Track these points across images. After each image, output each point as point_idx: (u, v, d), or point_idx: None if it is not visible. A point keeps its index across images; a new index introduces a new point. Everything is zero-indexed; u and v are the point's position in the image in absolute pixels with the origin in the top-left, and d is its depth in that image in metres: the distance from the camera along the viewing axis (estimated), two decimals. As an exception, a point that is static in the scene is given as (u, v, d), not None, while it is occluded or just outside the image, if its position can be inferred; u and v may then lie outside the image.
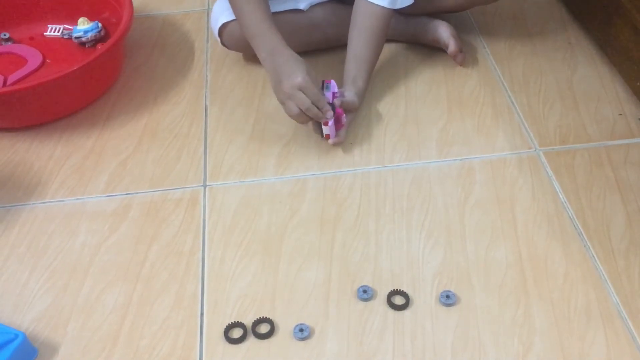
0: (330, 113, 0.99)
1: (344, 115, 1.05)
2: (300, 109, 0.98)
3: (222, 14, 1.19)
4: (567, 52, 1.27)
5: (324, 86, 1.03)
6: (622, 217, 0.94)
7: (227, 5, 1.18)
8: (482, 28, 1.35)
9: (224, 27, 1.19)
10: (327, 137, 1.05)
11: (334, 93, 1.04)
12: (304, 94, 0.96)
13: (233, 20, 1.17)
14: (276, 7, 1.17)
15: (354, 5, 1.13)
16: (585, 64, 1.24)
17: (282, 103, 1.00)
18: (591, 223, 0.94)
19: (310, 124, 1.06)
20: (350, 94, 1.08)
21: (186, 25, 1.40)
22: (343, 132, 1.07)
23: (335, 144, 1.06)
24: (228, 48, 1.23)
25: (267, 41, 1.01)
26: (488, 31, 1.34)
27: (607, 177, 1.01)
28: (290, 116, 1.00)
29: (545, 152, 1.06)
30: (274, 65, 0.99)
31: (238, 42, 1.21)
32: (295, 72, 0.96)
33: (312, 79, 0.97)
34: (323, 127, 1.03)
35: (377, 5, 1.10)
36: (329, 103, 1.01)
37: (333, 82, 1.05)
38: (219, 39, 1.22)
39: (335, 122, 1.04)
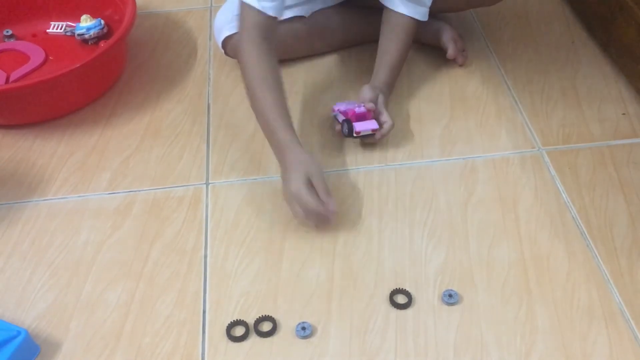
0: (334, 216, 0.92)
1: (357, 107, 1.04)
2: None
3: (225, 26, 1.19)
4: (571, 52, 1.27)
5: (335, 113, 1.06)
6: (625, 217, 0.94)
7: (229, 16, 1.18)
8: (486, 27, 1.34)
9: (227, 39, 1.19)
10: (374, 131, 1.04)
11: (344, 111, 1.04)
12: (299, 204, 0.90)
13: (235, 33, 1.16)
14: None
15: (384, 15, 1.14)
16: (588, 64, 1.23)
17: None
18: (594, 222, 0.94)
19: (336, 130, 1.07)
20: (368, 96, 1.05)
21: (189, 23, 1.40)
22: (386, 114, 1.05)
23: (380, 137, 1.05)
24: (232, 57, 1.23)
25: (277, 138, 0.95)
26: (491, 30, 1.33)
27: (610, 176, 1.01)
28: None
29: (548, 152, 1.06)
30: (281, 162, 0.96)
31: None
32: (291, 180, 0.90)
33: (313, 183, 0.90)
34: (359, 136, 1.04)
35: (410, 17, 1.12)
36: (343, 121, 1.03)
37: (336, 110, 1.06)
38: (222, 50, 1.22)
39: (360, 118, 1.03)
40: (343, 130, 1.04)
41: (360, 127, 1.02)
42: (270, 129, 0.95)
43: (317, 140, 1.10)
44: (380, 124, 1.04)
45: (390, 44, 1.12)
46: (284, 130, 0.94)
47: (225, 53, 1.23)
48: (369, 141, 1.07)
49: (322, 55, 1.27)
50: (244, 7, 1.01)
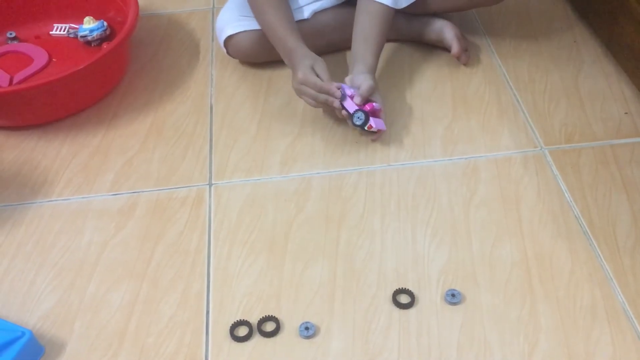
0: (337, 92, 1.03)
1: (375, 103, 1.04)
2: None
3: (227, 26, 1.19)
4: (573, 51, 1.27)
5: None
6: (627, 216, 0.94)
7: (231, 16, 1.19)
8: (487, 26, 1.34)
9: (229, 39, 1.20)
10: (379, 131, 1.06)
11: (350, 96, 1.03)
12: (307, 86, 1.03)
13: (238, 32, 1.17)
14: None
15: (357, 5, 1.14)
16: (590, 63, 1.23)
17: (299, 98, 1.08)
18: (597, 221, 0.94)
19: (349, 125, 1.07)
20: (364, 82, 1.05)
21: (191, 24, 1.41)
22: (384, 116, 1.08)
23: (378, 139, 1.08)
24: (234, 57, 1.24)
25: (284, 44, 1.08)
26: (493, 30, 1.33)
27: (612, 175, 1.01)
28: (313, 105, 1.07)
29: (551, 151, 1.06)
30: (290, 65, 1.08)
31: (244, 53, 1.22)
32: (298, 69, 1.04)
33: (316, 71, 1.04)
34: (370, 130, 1.04)
35: (381, 3, 1.12)
36: (357, 110, 1.02)
37: (344, 85, 1.05)
38: (224, 49, 1.22)
39: (373, 114, 1.04)
40: (355, 120, 1.03)
41: (376, 124, 1.03)
42: (279, 36, 1.08)
43: (319, 139, 1.10)
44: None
45: (371, 30, 1.13)
46: (291, 37, 1.07)
47: (227, 53, 1.23)
48: (369, 136, 1.08)
49: (324, 55, 1.26)
50: None
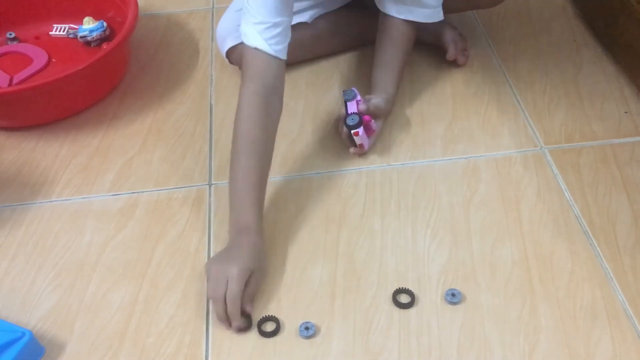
0: (236, 324, 0.82)
1: (373, 121, 1.03)
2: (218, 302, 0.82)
3: (227, 37, 1.18)
4: (573, 50, 1.27)
5: (345, 94, 1.02)
6: (628, 215, 0.94)
7: (232, 26, 1.17)
8: (487, 26, 1.34)
9: (231, 51, 1.19)
10: (361, 146, 1.03)
11: (357, 101, 1.02)
12: (218, 302, 0.81)
13: (239, 43, 1.15)
14: None
15: (380, 19, 1.12)
16: (590, 62, 1.23)
17: (207, 280, 0.84)
18: (597, 221, 0.94)
19: (341, 133, 1.05)
20: (376, 99, 1.04)
21: (191, 25, 1.41)
22: (372, 140, 1.05)
23: (359, 154, 1.05)
24: (236, 66, 1.23)
25: (240, 215, 0.88)
26: (493, 29, 1.33)
27: (612, 175, 1.01)
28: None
29: (551, 150, 1.06)
30: (232, 240, 0.88)
31: None
32: (232, 266, 0.81)
33: (247, 282, 0.82)
34: (354, 137, 1.01)
35: (405, 20, 1.09)
36: (354, 113, 1.00)
37: (355, 90, 1.03)
38: (226, 59, 1.22)
39: (365, 129, 1.02)
40: (348, 120, 0.99)
41: (362, 136, 1.01)
42: (240, 201, 0.88)
43: (319, 140, 1.10)
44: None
45: (393, 53, 1.10)
46: (253, 211, 0.87)
47: (230, 62, 1.22)
48: (348, 145, 1.05)
49: (325, 58, 1.27)
50: (250, 52, 0.92)
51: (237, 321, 0.81)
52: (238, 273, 0.80)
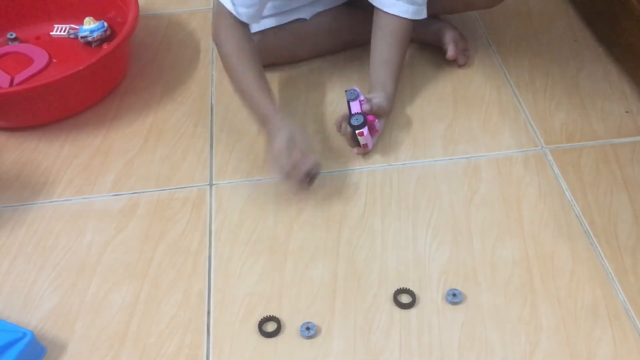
0: (304, 185, 0.95)
1: (377, 121, 1.04)
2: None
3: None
4: (573, 50, 1.26)
5: (348, 94, 1.03)
6: (629, 215, 0.94)
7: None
8: (488, 26, 1.34)
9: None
10: (365, 146, 1.04)
11: (360, 101, 1.03)
12: (282, 160, 0.93)
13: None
14: (282, 19, 1.18)
15: (374, 17, 1.12)
16: (591, 61, 1.23)
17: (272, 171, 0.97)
18: (598, 221, 0.94)
19: (343, 132, 1.05)
20: (378, 99, 1.05)
21: (192, 25, 1.41)
22: (375, 140, 1.06)
23: (363, 154, 1.06)
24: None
25: (260, 110, 1.00)
26: (494, 29, 1.33)
27: (613, 174, 1.01)
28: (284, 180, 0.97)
29: (552, 150, 1.06)
30: (265, 133, 0.99)
31: None
32: (275, 143, 0.94)
33: (295, 144, 0.94)
34: (359, 137, 1.01)
35: (400, 17, 1.09)
36: (358, 113, 1.00)
37: (357, 89, 1.04)
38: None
39: (369, 129, 1.02)
40: (353, 120, 1.00)
41: (366, 136, 1.01)
42: (254, 102, 1.00)
43: (319, 140, 1.10)
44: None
45: (391, 53, 1.10)
46: (266, 103, 0.99)
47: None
48: (350, 144, 1.06)
49: (324, 57, 1.27)
50: (220, 6, 1.02)
51: (303, 181, 0.94)
52: (286, 144, 0.93)
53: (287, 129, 0.95)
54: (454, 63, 1.23)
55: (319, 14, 1.21)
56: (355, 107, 1.02)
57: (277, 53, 1.11)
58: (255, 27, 1.16)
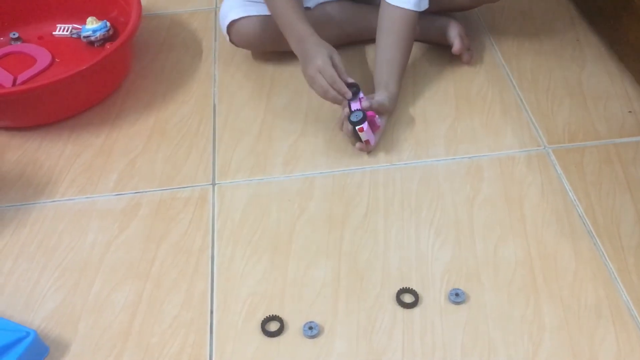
0: (349, 94, 1.02)
1: (377, 117, 1.04)
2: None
3: (230, 11, 1.19)
4: (576, 49, 1.26)
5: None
6: (631, 215, 0.94)
7: (236, 1, 1.18)
8: (490, 25, 1.34)
9: (232, 24, 1.19)
10: (367, 142, 1.04)
11: (360, 98, 1.03)
12: (323, 76, 1.01)
13: (241, 18, 1.17)
14: None
15: (380, 10, 1.13)
16: (593, 61, 1.23)
17: (310, 87, 1.05)
18: (601, 220, 0.94)
19: (345, 131, 1.05)
20: (380, 96, 1.06)
21: (194, 24, 1.41)
22: (377, 136, 1.06)
23: (366, 151, 1.06)
24: (236, 45, 1.24)
25: (296, 30, 1.05)
26: (496, 28, 1.33)
27: (616, 174, 1.00)
28: (322, 97, 1.05)
29: (554, 150, 1.06)
30: (301, 51, 1.05)
31: (246, 40, 1.21)
32: (316, 57, 1.01)
33: (333, 62, 1.02)
34: (360, 133, 1.01)
35: (403, 8, 1.09)
36: (358, 110, 1.01)
37: (357, 86, 1.04)
38: (227, 36, 1.22)
39: (370, 125, 1.02)
40: (352, 117, 1.01)
41: (367, 132, 1.01)
42: (289, 21, 1.05)
43: (322, 139, 1.10)
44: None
45: (393, 49, 1.11)
46: (302, 22, 1.05)
47: (230, 40, 1.22)
48: (353, 142, 1.07)
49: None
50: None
51: (347, 91, 1.02)
52: (323, 62, 1.01)
53: (326, 48, 1.02)
54: (456, 63, 1.23)
55: (323, 4, 1.21)
56: (355, 105, 1.02)
57: (280, 40, 1.10)
58: (259, 12, 1.17)
